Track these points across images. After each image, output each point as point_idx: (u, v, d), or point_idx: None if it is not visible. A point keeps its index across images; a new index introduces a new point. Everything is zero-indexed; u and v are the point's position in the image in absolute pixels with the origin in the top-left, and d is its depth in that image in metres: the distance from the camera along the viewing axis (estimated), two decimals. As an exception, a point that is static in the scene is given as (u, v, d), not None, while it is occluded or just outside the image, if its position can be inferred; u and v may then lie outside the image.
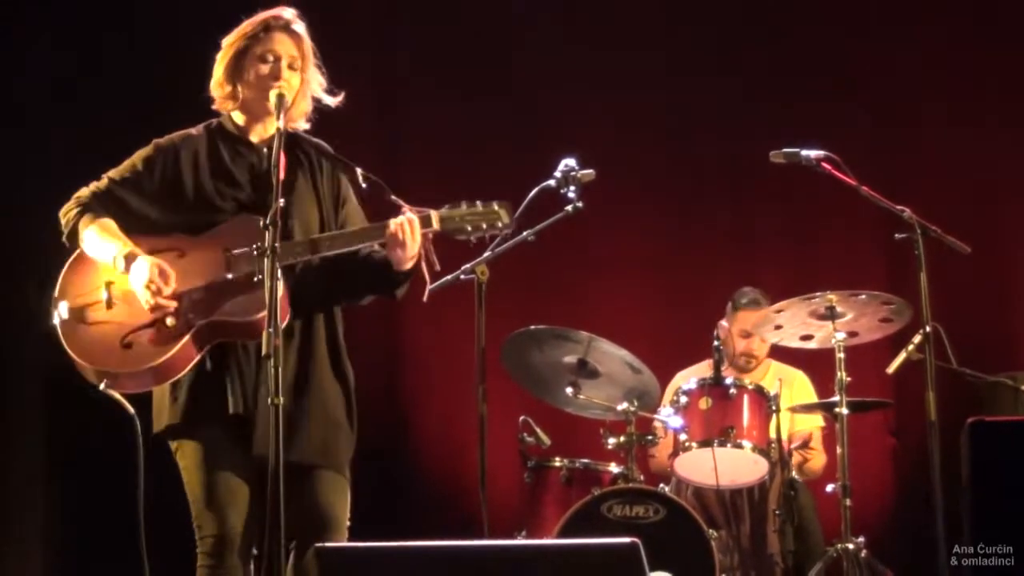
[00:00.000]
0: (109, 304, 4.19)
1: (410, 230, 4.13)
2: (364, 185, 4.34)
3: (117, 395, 4.12)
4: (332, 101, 4.38)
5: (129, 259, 4.14)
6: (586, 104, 7.39)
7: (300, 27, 4.31)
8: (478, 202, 4.21)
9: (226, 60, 4.29)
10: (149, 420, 4.24)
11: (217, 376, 4.15)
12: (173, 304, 4.11)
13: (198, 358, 4.14)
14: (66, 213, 4.27)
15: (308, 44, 4.31)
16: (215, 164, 4.28)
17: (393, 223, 4.14)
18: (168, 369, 4.13)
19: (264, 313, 3.96)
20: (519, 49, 7.47)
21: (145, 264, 4.12)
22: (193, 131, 4.36)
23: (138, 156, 4.32)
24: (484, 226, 4.19)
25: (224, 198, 4.24)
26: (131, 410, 4.15)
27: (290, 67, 4.25)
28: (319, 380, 4.24)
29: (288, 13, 4.32)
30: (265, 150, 4.27)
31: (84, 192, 4.28)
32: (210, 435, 4.17)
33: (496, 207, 4.21)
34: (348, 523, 4.26)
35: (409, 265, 4.21)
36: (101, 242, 4.20)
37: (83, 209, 4.24)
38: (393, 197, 4.22)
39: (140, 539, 4.24)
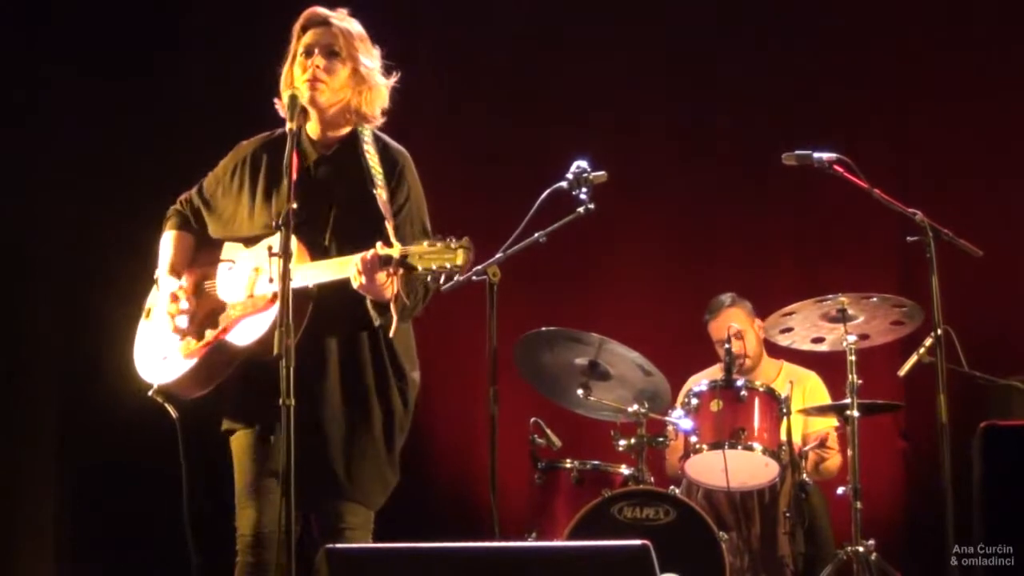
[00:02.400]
0: (165, 315, 4.34)
1: (369, 267, 3.95)
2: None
3: (160, 400, 4.26)
4: (390, 82, 4.35)
5: (157, 282, 4.34)
6: (598, 106, 7.39)
7: (341, 21, 4.29)
8: (440, 239, 3.95)
9: (284, 71, 4.32)
10: (192, 423, 4.31)
11: (254, 385, 4.16)
12: (184, 328, 4.25)
13: (230, 368, 4.19)
14: (165, 220, 4.50)
15: (352, 33, 4.27)
16: (276, 164, 4.25)
17: (356, 259, 3.99)
18: (197, 379, 4.22)
19: (257, 338, 4.06)
20: (530, 51, 7.47)
21: (166, 291, 4.28)
22: (278, 131, 4.38)
23: (223, 162, 4.45)
24: (434, 267, 3.92)
25: (277, 199, 4.23)
26: (175, 414, 4.25)
27: (328, 54, 4.23)
28: (343, 408, 4.20)
29: (323, 10, 4.32)
30: (315, 153, 4.30)
31: (177, 201, 4.48)
32: (252, 433, 4.22)
33: (454, 245, 3.93)
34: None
35: (384, 298, 4.07)
36: (160, 256, 4.41)
37: (167, 219, 4.47)
38: (388, 225, 4.09)
39: (188, 543, 4.30)
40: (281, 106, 4.29)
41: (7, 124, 6.61)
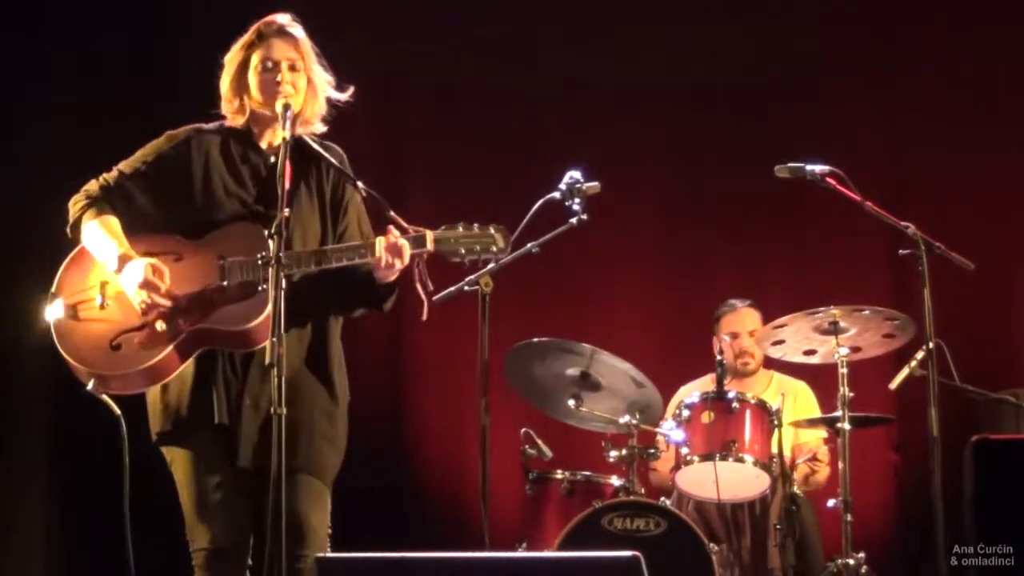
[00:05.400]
0: (102, 305, 4.20)
1: (398, 253, 4.11)
2: (363, 197, 4.34)
3: (104, 397, 4.14)
4: (342, 96, 4.35)
5: (122, 261, 4.14)
6: (592, 117, 7.40)
7: (295, 29, 4.29)
8: (475, 225, 4.20)
9: (229, 75, 4.29)
10: (138, 421, 4.24)
11: (204, 384, 4.14)
12: (167, 304, 4.11)
13: (185, 364, 4.14)
14: (73, 204, 4.27)
15: (306, 44, 4.29)
16: (225, 162, 4.27)
17: (379, 247, 4.10)
18: (155, 373, 4.13)
19: (255, 323, 4.04)
20: (525, 60, 7.47)
21: (139, 265, 4.11)
22: (207, 126, 4.34)
23: (150, 147, 4.32)
24: (478, 248, 4.18)
25: (229, 197, 4.23)
26: (117, 411, 4.16)
27: (291, 69, 4.23)
28: (307, 390, 4.21)
29: (281, 18, 4.31)
30: (272, 158, 4.25)
31: (92, 185, 4.28)
32: (199, 444, 4.16)
33: (492, 231, 4.21)
34: (329, 530, 4.25)
35: (392, 279, 4.19)
36: (99, 240, 4.20)
37: (89, 203, 4.25)
38: (392, 214, 4.18)
39: (126, 541, 4.24)
40: (232, 110, 4.30)
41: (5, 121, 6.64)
